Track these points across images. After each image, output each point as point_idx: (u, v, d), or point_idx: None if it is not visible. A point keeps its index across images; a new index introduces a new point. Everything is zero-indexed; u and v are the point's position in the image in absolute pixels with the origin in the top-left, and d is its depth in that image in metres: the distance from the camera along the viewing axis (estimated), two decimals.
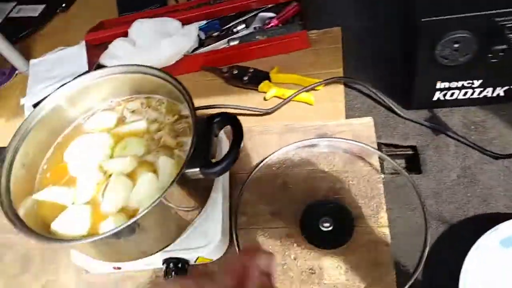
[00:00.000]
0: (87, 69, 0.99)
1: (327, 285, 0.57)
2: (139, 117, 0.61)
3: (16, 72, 1.10)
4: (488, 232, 0.55)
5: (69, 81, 0.60)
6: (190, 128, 0.58)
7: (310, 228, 0.62)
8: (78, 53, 1.05)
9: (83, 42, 1.06)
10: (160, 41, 0.83)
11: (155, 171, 0.55)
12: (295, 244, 0.61)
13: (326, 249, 0.59)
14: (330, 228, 0.61)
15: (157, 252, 0.56)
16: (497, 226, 0.55)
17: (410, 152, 0.73)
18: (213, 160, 0.50)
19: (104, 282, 0.64)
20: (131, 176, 0.55)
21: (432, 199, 0.65)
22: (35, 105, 0.97)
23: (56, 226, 0.53)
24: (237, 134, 0.50)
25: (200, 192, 0.56)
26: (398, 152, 0.74)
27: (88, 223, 0.53)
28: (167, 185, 0.52)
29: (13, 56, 1.05)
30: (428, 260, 0.60)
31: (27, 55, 1.10)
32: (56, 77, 1.02)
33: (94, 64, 0.92)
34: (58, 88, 0.60)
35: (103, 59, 0.87)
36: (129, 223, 0.45)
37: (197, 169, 0.49)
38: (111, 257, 0.57)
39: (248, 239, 0.63)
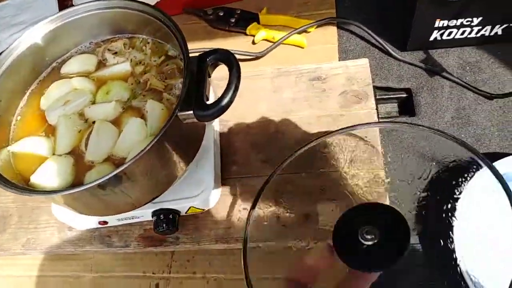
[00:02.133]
0: (57, 11, 0.91)
1: (321, 230, 0.56)
2: (122, 59, 0.56)
3: None
4: (482, 169, 0.54)
5: (43, 20, 0.54)
6: (179, 70, 0.54)
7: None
8: None
9: None
10: None
11: (142, 117, 0.51)
12: (287, 190, 0.59)
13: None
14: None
15: (146, 203, 0.53)
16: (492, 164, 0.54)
17: (404, 95, 0.72)
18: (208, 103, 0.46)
19: (89, 239, 0.61)
20: (116, 122, 0.51)
21: (426, 140, 0.64)
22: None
23: (36, 178, 0.49)
24: (234, 72, 0.46)
25: (192, 139, 0.52)
26: (392, 95, 0.72)
27: (71, 174, 0.49)
28: (156, 131, 0.49)
29: None
30: (422, 200, 0.59)
31: None
32: (24, 23, 0.93)
33: (66, 7, 0.84)
34: (32, 28, 0.54)
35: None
36: (115, 172, 0.42)
37: (191, 112, 0.45)
38: (97, 211, 0.54)
39: (239, 188, 0.61)
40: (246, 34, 0.80)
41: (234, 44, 0.79)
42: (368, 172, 0.56)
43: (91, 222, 0.58)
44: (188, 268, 0.59)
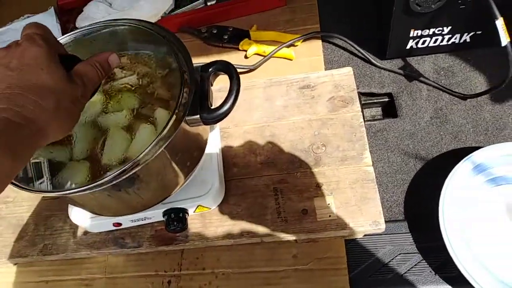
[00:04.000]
0: (60, 35, 0.97)
1: (319, 222, 0.61)
2: (129, 72, 0.61)
3: None
4: (462, 160, 0.61)
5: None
6: (182, 80, 0.59)
7: None
8: (47, 20, 1.01)
9: (52, 9, 1.03)
10: (138, 1, 0.82)
11: (152, 123, 0.56)
12: (286, 188, 0.65)
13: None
14: None
15: (157, 203, 0.58)
16: (470, 155, 0.60)
17: (387, 99, 0.78)
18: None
19: (104, 241, 0.65)
20: (128, 129, 0.56)
21: (409, 139, 0.71)
22: None
23: (57, 182, 0.53)
24: (234, 80, 0.51)
25: (198, 143, 0.58)
26: (375, 100, 0.79)
27: (88, 177, 0.53)
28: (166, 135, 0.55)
29: None
30: (408, 193, 0.65)
31: None
32: None
33: (68, 30, 0.90)
34: None
35: (79, 22, 0.85)
36: (127, 166, 0.47)
37: (197, 116, 0.51)
38: (111, 211, 0.58)
39: (241, 187, 0.66)
40: (238, 50, 0.86)
41: (228, 58, 0.85)
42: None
43: (106, 224, 0.62)
44: (198, 265, 0.64)
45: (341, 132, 0.68)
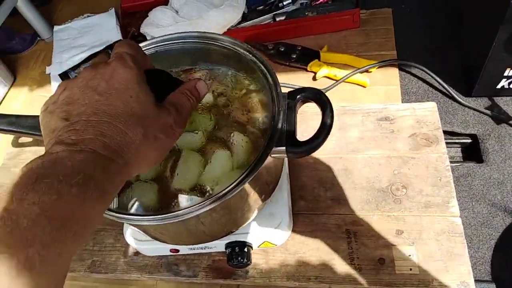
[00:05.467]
0: (119, 38, 0.94)
1: (398, 275, 0.55)
2: None
3: (38, 39, 1.04)
4: None
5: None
6: (262, 104, 0.54)
7: None
8: (107, 21, 0.99)
9: (112, 10, 1.01)
10: (207, 11, 0.78)
11: (228, 148, 0.51)
12: (360, 231, 0.59)
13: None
14: None
15: (225, 236, 0.53)
16: None
17: (469, 141, 0.72)
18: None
19: (156, 266, 0.60)
20: (201, 152, 0.51)
21: (497, 189, 0.64)
22: (61, 75, 0.92)
23: (122, 202, 0.49)
24: (328, 113, 0.46)
25: (274, 174, 0.52)
26: (456, 140, 0.72)
27: (156, 201, 0.49)
28: (243, 164, 0.50)
29: (36, 21, 0.99)
30: (496, 250, 0.58)
31: (49, 21, 1.03)
32: (84, 46, 0.96)
33: (129, 33, 0.86)
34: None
35: (144, 28, 0.82)
36: (214, 205, 0.42)
37: (283, 148, 0.45)
38: (175, 239, 0.53)
39: (309, 224, 0.60)
40: (306, 70, 0.81)
41: (294, 79, 0.81)
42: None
43: (162, 249, 0.57)
44: None
45: (424, 174, 0.61)
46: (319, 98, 0.48)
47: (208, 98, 0.56)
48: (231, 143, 0.52)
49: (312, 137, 0.45)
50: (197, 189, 0.49)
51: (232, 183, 0.42)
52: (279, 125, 0.45)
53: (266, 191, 0.52)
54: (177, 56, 0.59)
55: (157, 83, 0.39)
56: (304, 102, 0.50)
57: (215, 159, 0.50)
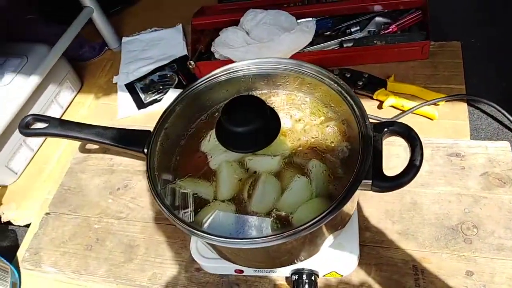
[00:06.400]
0: (185, 53, 0.97)
1: None
2: (281, 113, 0.58)
3: (106, 48, 1.08)
4: None
5: (221, 68, 0.57)
6: (341, 132, 0.55)
7: None
8: (174, 36, 1.03)
9: (180, 26, 1.04)
10: (279, 34, 0.79)
11: (304, 175, 0.52)
12: (428, 269, 0.57)
13: None
14: None
15: (295, 263, 0.53)
16: None
17: None
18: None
19: (217, 284, 0.61)
20: (278, 177, 0.52)
21: None
22: (127, 85, 0.95)
23: (199, 219, 0.50)
24: (418, 150, 0.46)
25: (353, 206, 0.52)
26: None
27: (234, 223, 0.49)
28: (321, 192, 0.50)
29: (106, 31, 1.03)
30: None
31: (118, 32, 1.08)
32: (150, 59, 1.00)
33: (197, 50, 0.89)
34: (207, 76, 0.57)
35: (216, 46, 0.84)
36: (305, 232, 0.42)
37: (369, 181, 0.45)
38: (245, 261, 0.54)
39: (374, 257, 0.59)
40: (372, 98, 0.81)
41: None
42: None
43: (227, 269, 0.58)
44: None
45: (497, 216, 0.60)
46: (409, 134, 0.48)
47: (286, 122, 0.57)
48: (309, 170, 0.52)
49: (400, 173, 0.45)
50: (273, 214, 0.50)
51: (322, 216, 0.42)
52: (369, 158, 0.45)
53: (343, 223, 0.52)
54: (258, 80, 0.60)
55: None
56: (390, 135, 0.50)
57: (293, 186, 0.50)
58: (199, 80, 0.57)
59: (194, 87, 0.57)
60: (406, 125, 0.48)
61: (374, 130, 0.49)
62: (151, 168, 0.51)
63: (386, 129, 0.49)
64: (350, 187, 0.43)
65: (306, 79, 0.57)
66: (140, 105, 0.91)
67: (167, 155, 0.56)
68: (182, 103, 0.57)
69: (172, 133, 0.56)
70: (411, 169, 0.45)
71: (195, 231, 0.44)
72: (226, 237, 0.44)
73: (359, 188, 0.45)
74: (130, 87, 0.95)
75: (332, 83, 0.54)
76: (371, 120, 0.75)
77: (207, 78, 0.57)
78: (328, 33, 0.89)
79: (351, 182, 0.44)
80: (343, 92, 0.52)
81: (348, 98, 0.52)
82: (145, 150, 0.54)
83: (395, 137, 0.50)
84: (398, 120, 0.76)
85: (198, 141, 0.57)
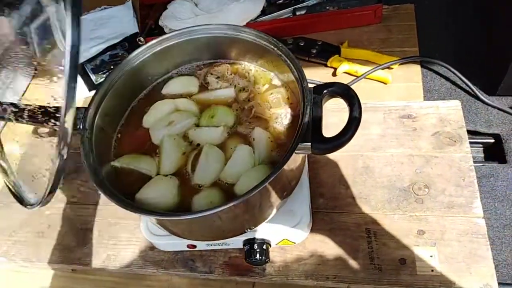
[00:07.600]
0: (136, 30, 0.94)
1: (420, 276, 0.53)
2: (225, 84, 0.56)
3: None
4: None
5: (156, 39, 0.54)
6: (284, 99, 0.54)
7: None
8: (124, 13, 0.98)
9: (129, 2, 1.00)
10: (227, 4, 0.77)
11: (248, 144, 0.50)
12: (381, 231, 0.57)
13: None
14: None
15: (242, 233, 0.52)
16: None
17: (492, 141, 0.70)
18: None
19: (172, 261, 0.60)
20: (222, 148, 0.51)
21: None
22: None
23: (141, 196, 0.48)
24: (356, 108, 0.45)
25: (296, 171, 0.51)
26: (478, 140, 0.71)
27: (176, 196, 0.48)
28: (264, 160, 0.49)
29: None
30: None
31: None
32: (100, 38, 0.95)
33: (147, 26, 0.86)
34: (143, 44, 0.54)
35: (163, 20, 0.81)
36: (239, 200, 0.41)
37: (308, 144, 0.44)
38: (193, 235, 0.53)
39: (328, 222, 0.59)
40: (326, 66, 0.80)
41: (314, 74, 0.79)
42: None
43: (180, 245, 0.57)
44: None
45: (447, 174, 0.60)
46: (347, 93, 0.47)
47: (230, 92, 0.56)
48: (252, 139, 0.51)
49: (340, 133, 0.44)
50: (218, 185, 0.49)
51: (261, 182, 0.41)
52: (306, 120, 0.44)
53: (288, 188, 0.51)
54: (199, 49, 0.58)
55: None
56: (330, 97, 0.49)
57: (236, 155, 0.49)
58: (134, 53, 0.55)
59: (129, 61, 0.55)
60: (345, 85, 0.47)
61: (314, 92, 0.48)
62: (87, 145, 0.48)
63: (325, 91, 0.47)
64: (288, 151, 0.42)
65: (250, 46, 0.55)
66: (91, 86, 0.87)
67: (107, 133, 0.53)
68: (119, 78, 0.55)
69: (110, 110, 0.54)
70: (350, 127, 0.44)
71: (131, 208, 0.43)
72: (164, 213, 0.43)
73: (299, 151, 0.44)
74: (80, 69, 0.91)
75: (272, 47, 0.52)
76: None
77: (143, 51, 0.55)
78: (280, 1, 0.87)
79: (290, 147, 0.42)
80: (282, 55, 0.51)
81: (288, 61, 0.50)
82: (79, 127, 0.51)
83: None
84: (351, 86, 0.76)
85: (140, 117, 0.55)
